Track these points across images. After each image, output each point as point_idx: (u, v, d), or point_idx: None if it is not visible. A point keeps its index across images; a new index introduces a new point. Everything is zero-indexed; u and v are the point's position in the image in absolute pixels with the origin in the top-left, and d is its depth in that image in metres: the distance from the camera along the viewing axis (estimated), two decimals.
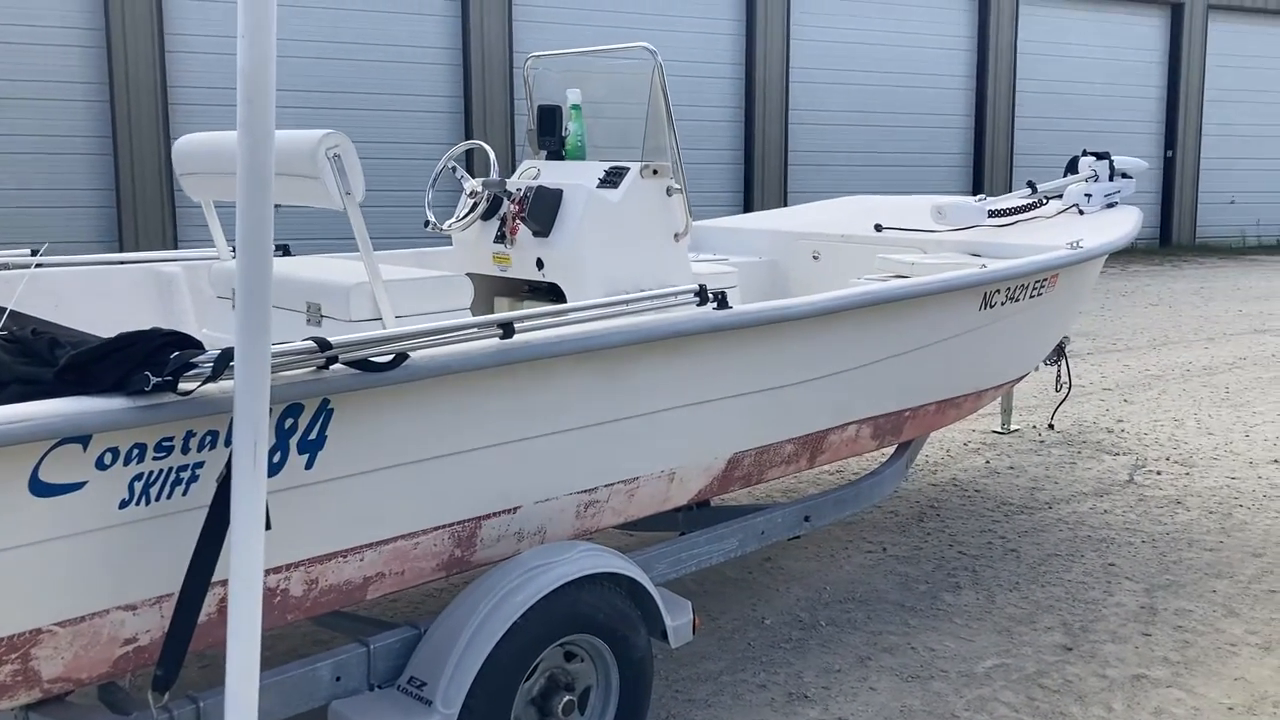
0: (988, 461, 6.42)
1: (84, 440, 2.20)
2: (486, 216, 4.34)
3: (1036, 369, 5.59)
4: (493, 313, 4.59)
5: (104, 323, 4.07)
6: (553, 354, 2.89)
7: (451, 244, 4.63)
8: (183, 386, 2.21)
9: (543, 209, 4.14)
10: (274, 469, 2.51)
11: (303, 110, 12.74)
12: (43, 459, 2.17)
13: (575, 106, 4.54)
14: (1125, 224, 5.28)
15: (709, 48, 15.91)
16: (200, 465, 2.40)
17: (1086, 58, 19.52)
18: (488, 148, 4.32)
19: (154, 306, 4.30)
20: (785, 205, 16.22)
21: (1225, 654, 3.98)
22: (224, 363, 2.20)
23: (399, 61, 13.77)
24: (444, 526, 2.93)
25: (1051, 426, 7.15)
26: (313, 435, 2.56)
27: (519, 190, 4.26)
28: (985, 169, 18.41)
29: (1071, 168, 5.90)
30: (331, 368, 2.47)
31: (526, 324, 2.86)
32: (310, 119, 12.80)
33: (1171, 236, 20.48)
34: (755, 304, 3.42)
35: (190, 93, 12.64)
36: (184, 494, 2.40)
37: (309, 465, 2.59)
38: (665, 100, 4.09)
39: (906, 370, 4.18)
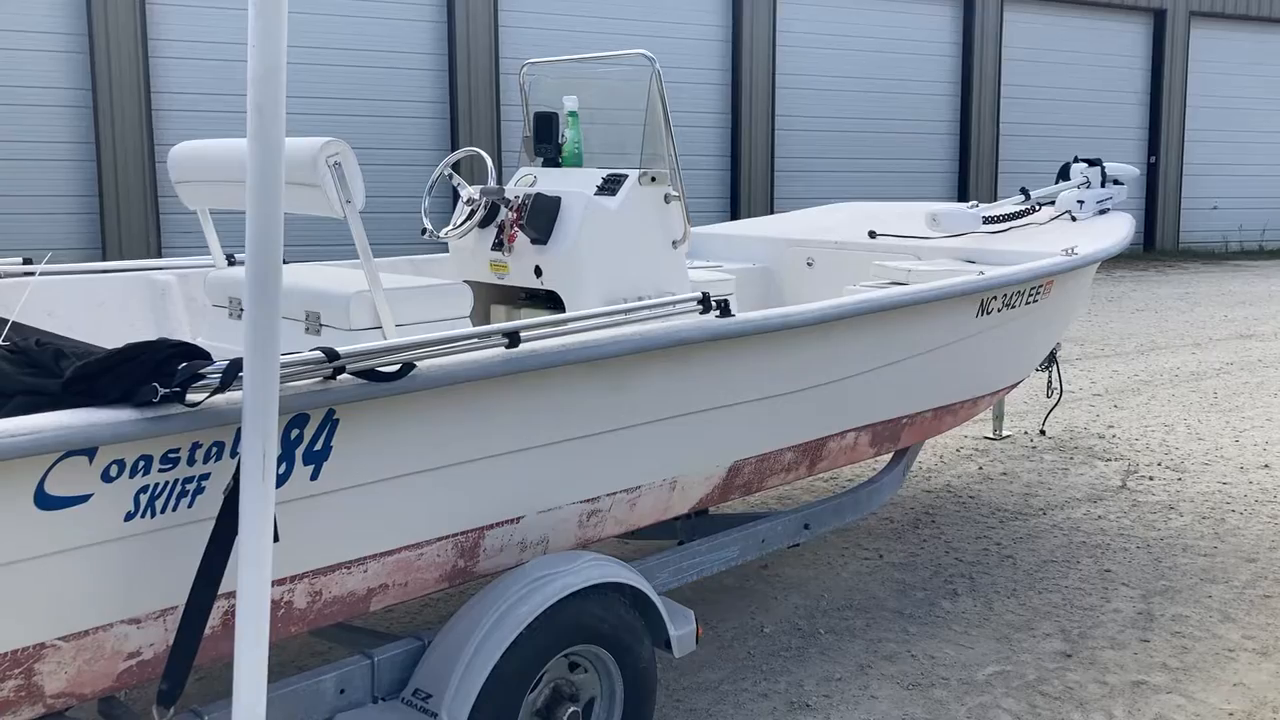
0: (981, 468, 6.43)
1: (90, 452, 2.18)
2: (484, 224, 4.33)
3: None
4: (489, 321, 4.58)
5: (98, 332, 4.03)
6: (558, 363, 2.87)
7: (447, 251, 4.61)
8: (191, 398, 2.18)
9: (541, 216, 4.13)
10: (279, 480, 2.48)
11: (287, 117, 12.66)
12: (49, 471, 2.14)
13: (572, 113, 4.53)
14: (1119, 230, 5.30)
15: (695, 54, 15.94)
16: (206, 477, 2.37)
17: (1070, 64, 19.65)
18: (485, 155, 4.31)
19: (147, 315, 4.26)
20: (772, 212, 16.25)
21: (1223, 659, 3.99)
22: (233, 373, 2.17)
23: (385, 68, 13.73)
24: (448, 537, 2.91)
25: (1043, 432, 7.17)
26: (318, 446, 2.54)
27: (517, 198, 4.25)
28: (970, 175, 18.50)
29: (1063, 174, 5.92)
30: (338, 378, 2.44)
31: (531, 333, 2.84)
32: (295, 126, 12.71)
33: (1155, 242, 20.62)
34: (759, 312, 3.42)
35: (174, 98, 12.57)
36: (189, 506, 2.37)
37: (314, 476, 2.56)
38: (664, 107, 4.08)
39: (905, 377, 4.19)
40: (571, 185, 4.23)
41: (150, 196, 12.44)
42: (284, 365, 2.25)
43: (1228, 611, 4.40)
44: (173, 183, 3.70)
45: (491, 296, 4.61)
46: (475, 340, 2.70)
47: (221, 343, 3.66)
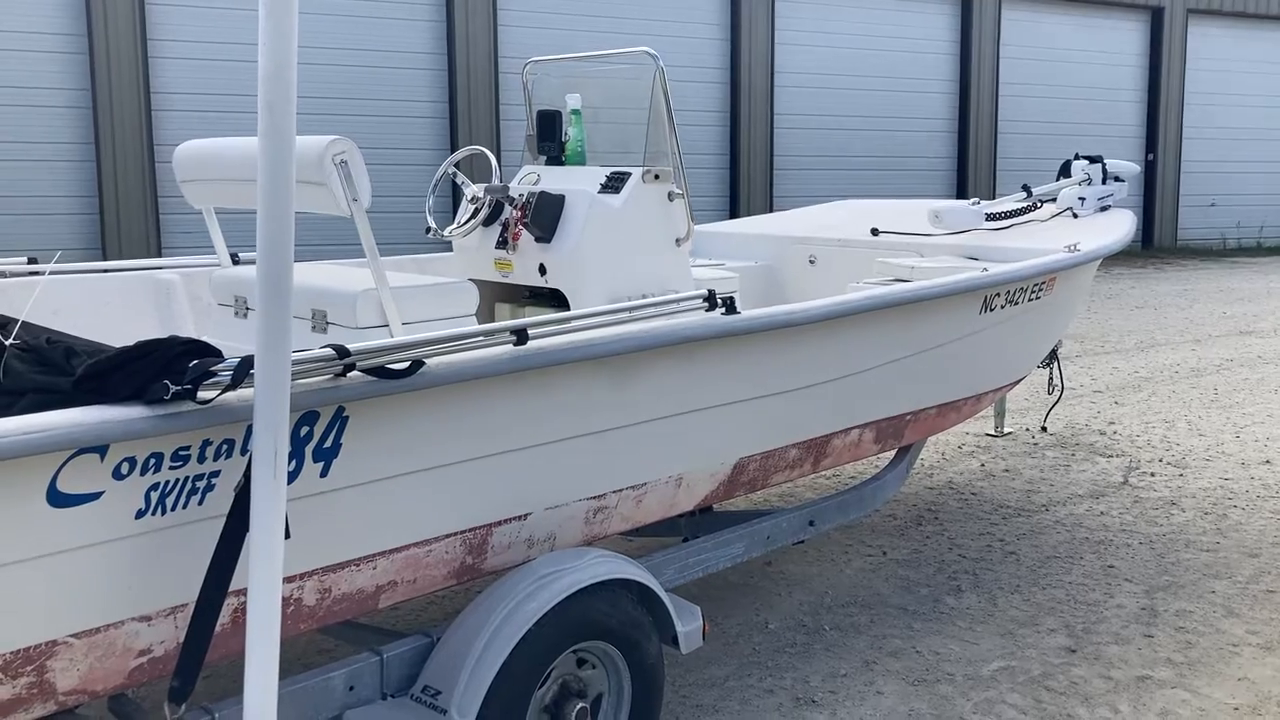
0: (983, 464, 6.44)
1: (102, 450, 2.18)
2: (488, 222, 4.33)
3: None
4: (494, 319, 4.59)
5: (102, 331, 4.03)
6: (566, 360, 2.88)
7: (451, 250, 4.61)
8: (202, 395, 2.19)
9: (545, 214, 4.13)
10: (289, 477, 2.48)
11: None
12: (61, 469, 2.14)
13: (575, 111, 4.53)
14: (1120, 227, 5.31)
15: (694, 52, 15.94)
16: (216, 474, 2.38)
17: (1068, 61, 19.67)
18: (489, 154, 4.31)
19: (151, 314, 4.26)
20: (771, 209, 16.26)
21: (1227, 654, 4.00)
22: (244, 371, 2.18)
23: (384, 67, 13.73)
24: (456, 534, 2.92)
25: (1044, 429, 7.19)
26: (328, 443, 2.54)
27: (521, 196, 4.25)
28: (969, 172, 18.51)
29: (1064, 171, 5.93)
30: (348, 375, 2.45)
31: (538, 330, 2.85)
32: (296, 125, 12.71)
33: (1153, 239, 20.64)
34: (764, 309, 3.42)
35: (173, 98, 12.56)
36: (200, 504, 2.38)
37: (324, 473, 2.57)
38: (667, 105, 4.09)
39: (908, 374, 4.20)
40: (575, 183, 4.24)
41: (150, 196, 12.44)
42: (295, 362, 2.26)
43: (1231, 607, 4.41)
44: (177, 182, 3.70)
45: (496, 295, 4.61)
46: (483, 338, 2.71)
47: (227, 341, 3.66)
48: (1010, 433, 7.11)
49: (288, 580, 2.59)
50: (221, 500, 2.37)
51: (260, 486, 2.10)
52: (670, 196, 4.24)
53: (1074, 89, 19.73)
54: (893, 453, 4.84)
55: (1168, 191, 20.82)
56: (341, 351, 2.39)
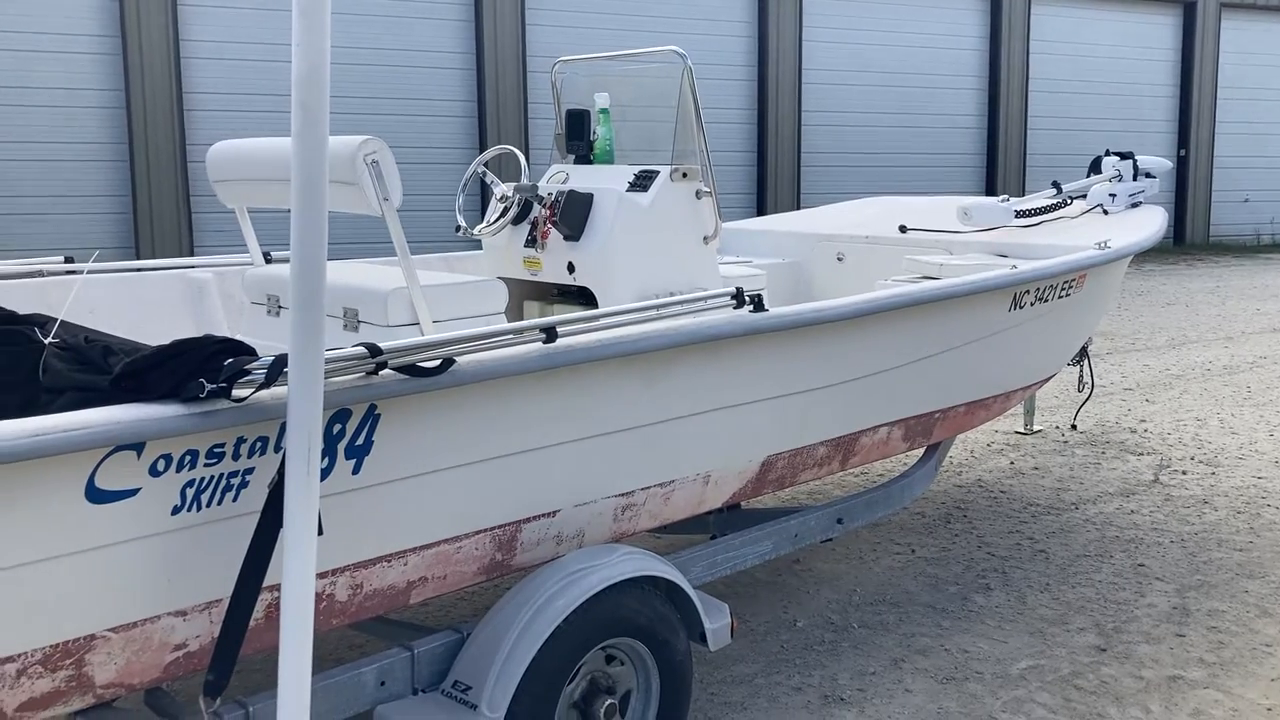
0: (1012, 462, 6.41)
1: (138, 447, 2.22)
2: (517, 221, 4.35)
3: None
4: (522, 317, 4.61)
5: (137, 329, 4.08)
6: (595, 358, 2.89)
7: (479, 248, 4.64)
8: (237, 393, 2.22)
9: (574, 213, 4.15)
10: (322, 474, 2.51)
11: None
12: (99, 466, 2.18)
13: (603, 110, 4.55)
14: (1151, 224, 5.27)
15: (721, 49, 15.92)
16: (250, 471, 2.41)
17: (1099, 57, 19.48)
18: (518, 153, 4.33)
19: (184, 312, 4.31)
20: (798, 207, 16.22)
21: (1261, 655, 3.97)
22: (278, 369, 2.21)
23: (413, 67, 13.81)
24: (486, 530, 2.94)
25: (1074, 427, 7.14)
26: (360, 440, 2.57)
27: (550, 195, 4.27)
28: (998, 169, 18.39)
29: (1095, 167, 5.88)
30: (380, 373, 2.47)
31: (567, 328, 2.86)
32: None
33: (1185, 235, 20.43)
34: (793, 306, 3.43)
35: (205, 99, 12.69)
36: (234, 500, 2.41)
37: (356, 470, 2.60)
38: (695, 104, 4.09)
39: (937, 371, 4.18)
40: (603, 182, 4.25)
41: (182, 196, 12.56)
42: (328, 360, 2.29)
43: (1265, 606, 4.37)
44: (211, 182, 3.74)
45: (524, 293, 4.64)
46: (513, 336, 2.72)
47: (260, 339, 3.70)
48: (1040, 430, 7.07)
49: (320, 576, 2.62)
50: (255, 497, 2.40)
51: (294, 483, 2.13)
52: (698, 194, 4.25)
53: (1104, 84, 19.55)
54: (921, 451, 4.83)
55: (1200, 187, 20.60)
56: (374, 350, 2.41)
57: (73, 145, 12.17)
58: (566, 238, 4.18)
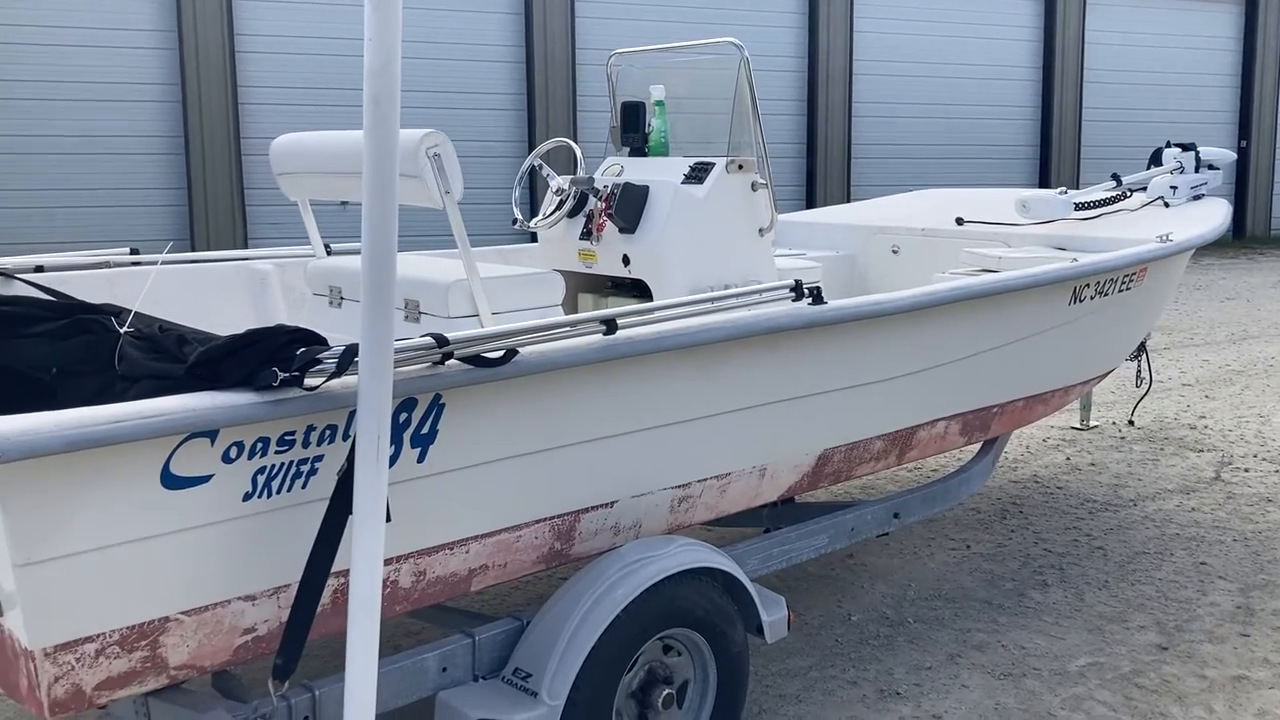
0: (1068, 458, 6.34)
1: (212, 434, 2.26)
2: (572, 213, 4.37)
3: None
4: (577, 309, 4.63)
5: (200, 318, 4.16)
6: (654, 350, 2.90)
7: (534, 241, 4.66)
8: (308, 382, 2.26)
9: (630, 205, 4.16)
10: (388, 462, 2.55)
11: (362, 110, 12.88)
12: (174, 452, 2.22)
13: (659, 102, 4.56)
14: (1214, 217, 5.18)
15: (771, 41, 15.84)
16: (320, 459, 2.45)
17: (1156, 47, 19.14)
18: (574, 145, 4.35)
19: (246, 303, 4.38)
20: (848, 199, 16.12)
21: None
22: (349, 359, 2.24)
23: (462, 60, 13.89)
24: (545, 520, 2.96)
25: (1132, 423, 7.04)
26: (425, 430, 2.60)
27: (605, 187, 4.29)
28: (1052, 161, 18.14)
29: (1155, 159, 5.79)
30: (445, 364, 2.50)
31: (626, 320, 2.88)
32: None
33: (1245, 229, 20.02)
34: (851, 299, 3.41)
35: (260, 92, 12.85)
36: (304, 487, 2.45)
37: (420, 459, 2.63)
38: (752, 95, 4.09)
39: (996, 365, 4.15)
40: (658, 174, 4.26)
41: (237, 189, 12.75)
42: (396, 350, 2.32)
43: None
44: (274, 174, 3.80)
45: (579, 285, 4.66)
46: (573, 327, 2.74)
47: (321, 330, 3.75)
48: (1096, 426, 6.98)
49: (385, 563, 2.66)
50: (324, 484, 2.44)
51: (363, 471, 2.16)
52: (754, 186, 4.24)
53: (1162, 75, 19.21)
54: (977, 446, 4.79)
55: (1261, 179, 20.17)
56: (440, 340, 2.44)
57: (129, 139, 12.38)
58: (622, 230, 4.20)
